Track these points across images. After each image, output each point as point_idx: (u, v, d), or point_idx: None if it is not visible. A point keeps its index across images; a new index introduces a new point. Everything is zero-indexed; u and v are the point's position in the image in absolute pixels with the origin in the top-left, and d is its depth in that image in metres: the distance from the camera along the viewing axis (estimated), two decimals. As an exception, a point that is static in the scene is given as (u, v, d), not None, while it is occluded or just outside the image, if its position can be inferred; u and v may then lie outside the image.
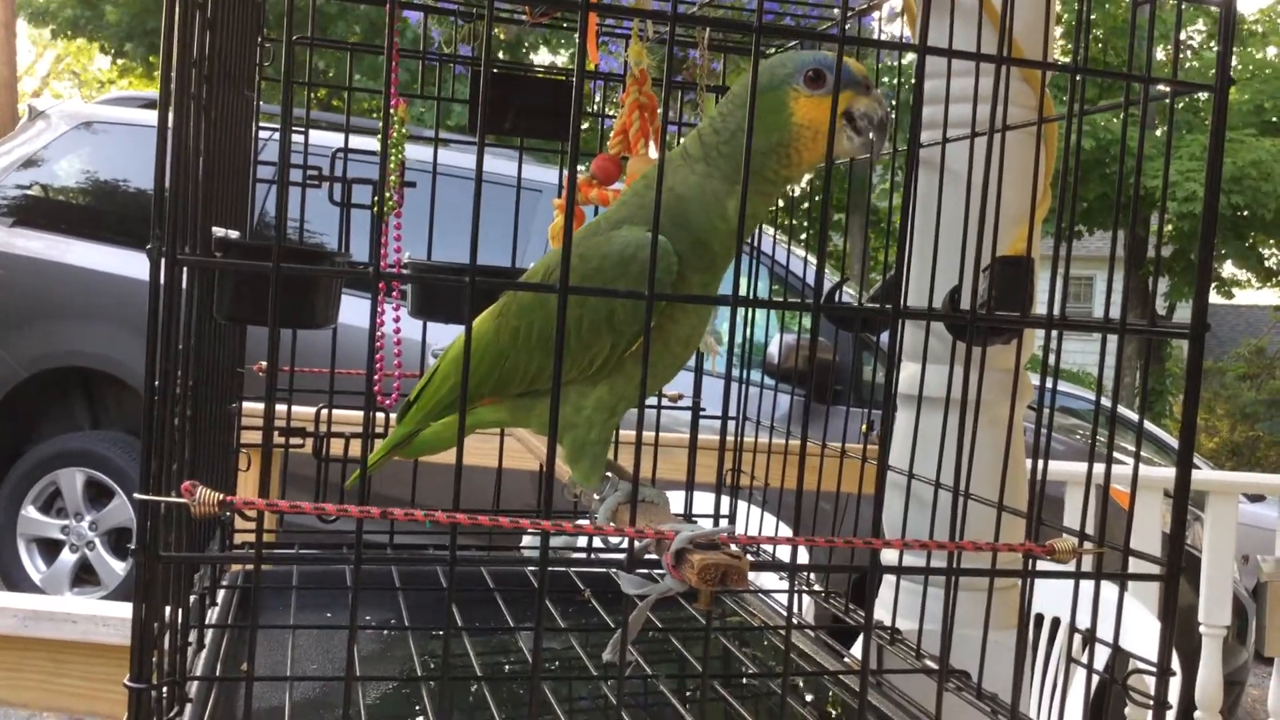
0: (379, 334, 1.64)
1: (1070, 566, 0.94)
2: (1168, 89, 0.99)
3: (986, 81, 1.26)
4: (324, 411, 1.64)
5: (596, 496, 1.05)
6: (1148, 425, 6.17)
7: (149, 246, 0.73)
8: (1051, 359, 1.06)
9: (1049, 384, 1.08)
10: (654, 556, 0.82)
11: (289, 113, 0.92)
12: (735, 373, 1.70)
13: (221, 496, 0.71)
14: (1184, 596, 3.70)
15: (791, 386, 4.23)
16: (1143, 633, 2.06)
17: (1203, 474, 3.91)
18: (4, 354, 5.04)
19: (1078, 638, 1.07)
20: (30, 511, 5.03)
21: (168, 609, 0.88)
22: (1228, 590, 3.35)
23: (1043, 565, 0.97)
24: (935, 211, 1.31)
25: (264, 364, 1.64)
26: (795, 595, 1.35)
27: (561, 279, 0.78)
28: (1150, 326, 0.90)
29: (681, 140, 1.73)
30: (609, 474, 1.08)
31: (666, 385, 1.76)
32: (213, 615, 1.34)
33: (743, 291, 1.52)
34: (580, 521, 0.88)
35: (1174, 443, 6.45)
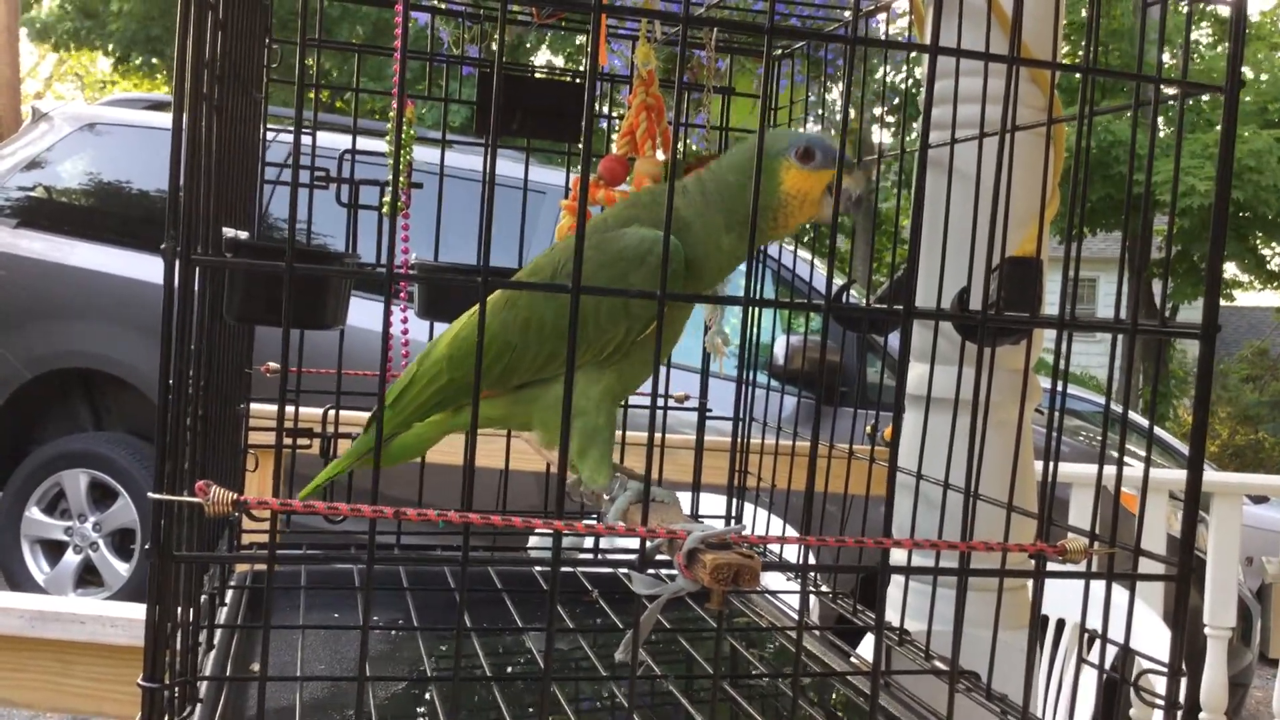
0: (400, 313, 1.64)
1: (1080, 567, 0.94)
2: (1176, 90, 0.99)
3: (995, 82, 1.27)
4: (331, 412, 1.63)
5: (606, 497, 1.06)
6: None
7: (163, 246, 0.73)
8: (1062, 360, 1.06)
9: (1059, 385, 1.08)
10: (665, 557, 0.82)
11: (301, 115, 0.92)
12: (743, 374, 1.70)
13: (235, 496, 0.71)
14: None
15: (797, 388, 4.23)
16: (1148, 633, 2.06)
17: (1207, 475, 3.90)
18: (7, 355, 5.04)
19: (1086, 637, 1.07)
20: (34, 513, 5.03)
21: (179, 609, 0.88)
22: (1232, 592, 3.34)
23: (1051, 566, 0.97)
24: (943, 212, 1.31)
25: (272, 365, 1.65)
26: (804, 595, 1.35)
27: (575, 279, 0.78)
28: (1162, 327, 0.90)
29: (690, 143, 1.73)
30: (618, 474, 1.09)
31: (673, 387, 1.78)
32: (222, 615, 1.34)
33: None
34: (591, 521, 0.89)
35: (1177, 444, 6.45)
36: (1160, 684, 0.98)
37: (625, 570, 0.82)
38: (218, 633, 1.23)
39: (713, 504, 1.87)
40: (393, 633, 1.36)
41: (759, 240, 1.07)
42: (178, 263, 0.72)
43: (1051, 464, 1.05)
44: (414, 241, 1.70)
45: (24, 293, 5.05)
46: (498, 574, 1.52)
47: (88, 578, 5.05)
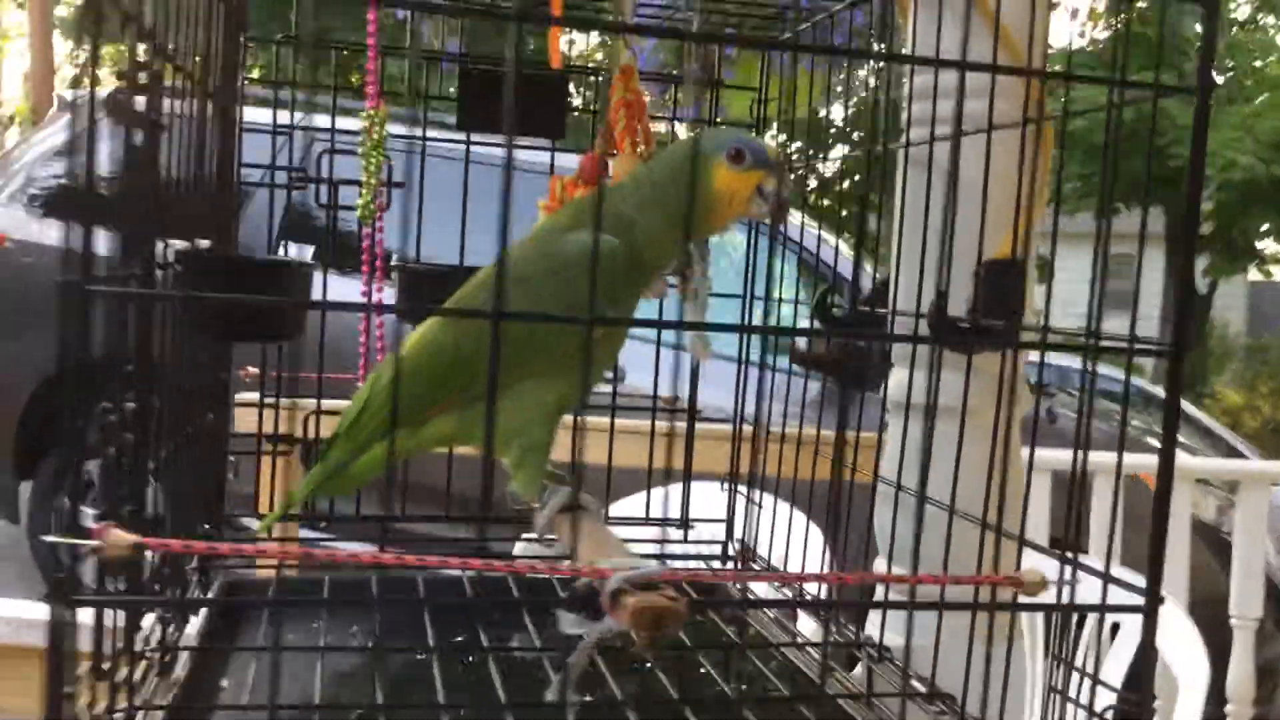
0: (361, 328, 1.61)
1: (1050, 596, 0.89)
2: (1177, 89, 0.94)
3: (975, 78, 1.21)
4: (311, 417, 1.60)
5: (535, 506, 1.07)
6: (1186, 407, 6.04)
7: (59, 280, 0.69)
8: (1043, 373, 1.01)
9: (1040, 400, 1.04)
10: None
11: (241, 115, 0.89)
12: (759, 361, 1.64)
13: (136, 538, 0.68)
14: (1216, 586, 3.60)
15: (819, 375, 4.15)
16: (1167, 625, 2.00)
17: (1235, 464, 3.86)
18: (36, 345, 5.07)
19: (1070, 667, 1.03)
20: (64, 502, 5.08)
21: (108, 643, 0.85)
22: (1259, 581, 3.26)
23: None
24: (923, 212, 1.25)
25: (251, 369, 1.63)
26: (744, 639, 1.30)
27: (494, 305, 0.75)
28: (1130, 345, 0.85)
29: (676, 134, 1.70)
30: (547, 483, 1.09)
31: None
32: (196, 626, 1.30)
33: (768, 272, 1.53)
34: (518, 548, 0.85)
35: (1213, 425, 6.31)
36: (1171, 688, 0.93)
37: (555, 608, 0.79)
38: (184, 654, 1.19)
39: (715, 497, 1.81)
40: (363, 648, 1.33)
41: (694, 234, 1.11)
42: (68, 296, 0.69)
43: (1029, 482, 1.01)
44: (402, 234, 1.67)
45: (52, 281, 5.06)
46: (470, 582, 1.47)
47: (116, 566, 5.10)
